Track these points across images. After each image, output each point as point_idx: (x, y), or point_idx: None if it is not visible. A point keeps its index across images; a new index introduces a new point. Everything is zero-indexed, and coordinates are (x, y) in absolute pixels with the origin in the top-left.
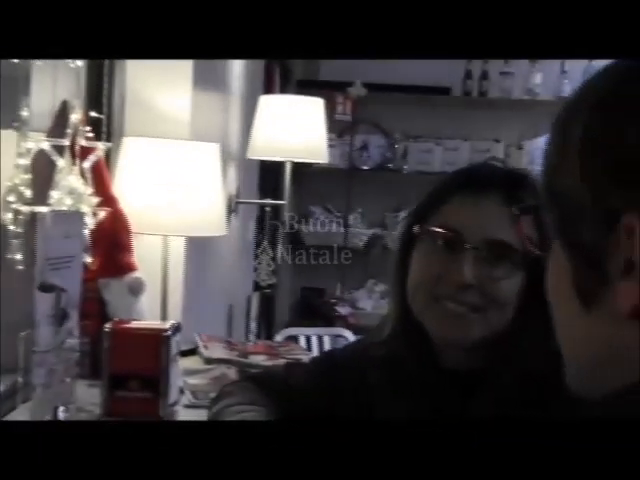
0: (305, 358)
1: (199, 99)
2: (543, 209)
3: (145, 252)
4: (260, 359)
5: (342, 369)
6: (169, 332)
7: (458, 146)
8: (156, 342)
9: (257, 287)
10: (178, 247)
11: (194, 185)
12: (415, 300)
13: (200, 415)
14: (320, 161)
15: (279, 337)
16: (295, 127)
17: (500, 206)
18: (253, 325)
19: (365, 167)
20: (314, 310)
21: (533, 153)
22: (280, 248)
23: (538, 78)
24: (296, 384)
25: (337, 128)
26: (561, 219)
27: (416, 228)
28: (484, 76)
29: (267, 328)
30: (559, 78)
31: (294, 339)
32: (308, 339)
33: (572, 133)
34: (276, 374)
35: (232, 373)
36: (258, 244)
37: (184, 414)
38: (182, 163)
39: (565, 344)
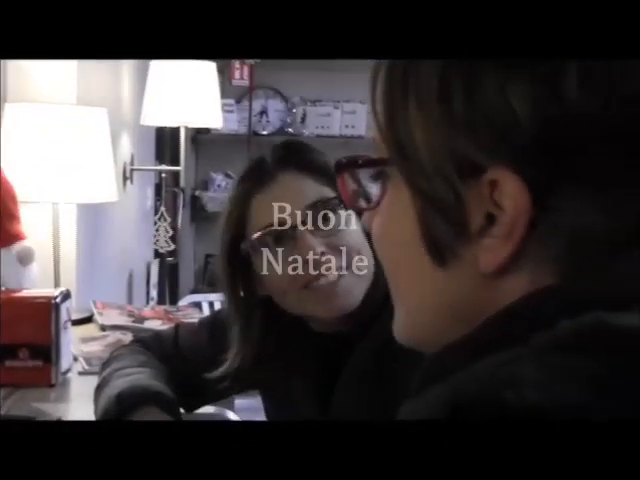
0: None
1: (86, 63)
2: (374, 162)
3: (36, 220)
4: (156, 324)
5: (225, 328)
6: (57, 299)
7: (356, 109)
8: (44, 310)
9: (159, 254)
10: (70, 215)
11: (82, 151)
12: (289, 301)
13: (94, 381)
14: (214, 126)
15: (182, 303)
16: (187, 92)
17: (292, 174)
18: (154, 292)
19: (265, 132)
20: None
21: None
22: (180, 215)
23: None
24: (184, 344)
25: (235, 94)
26: (415, 172)
27: (244, 245)
28: None
29: (171, 295)
30: None
31: (197, 305)
32: (211, 305)
33: (427, 85)
34: (165, 336)
35: (128, 339)
36: (156, 211)
37: (77, 381)
38: (68, 129)
39: (403, 295)
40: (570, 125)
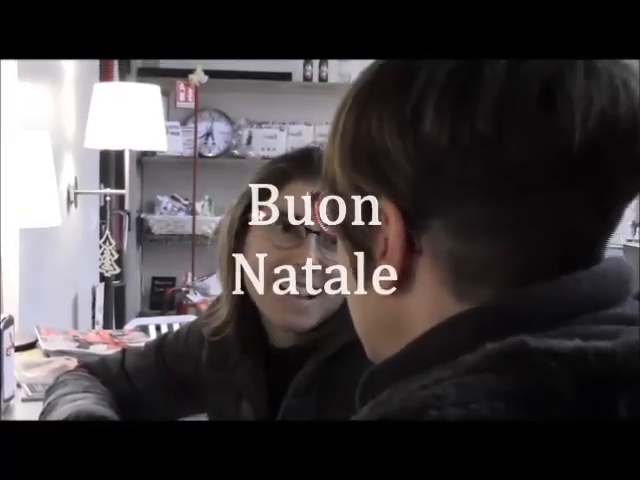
0: None
1: (27, 85)
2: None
3: None
4: (101, 349)
5: (172, 350)
6: (0, 325)
7: (301, 131)
8: None
9: (105, 278)
10: (13, 239)
11: (23, 175)
12: (257, 291)
13: (37, 408)
14: (159, 149)
15: (128, 327)
16: (131, 115)
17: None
18: (100, 316)
19: (210, 154)
20: (166, 299)
21: None
22: (126, 238)
23: None
24: (130, 368)
25: (180, 116)
26: (334, 203)
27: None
28: (323, 62)
29: (117, 319)
30: None
31: (144, 329)
32: (158, 328)
33: (339, 122)
34: (111, 360)
35: (72, 364)
36: (101, 234)
37: (21, 408)
38: (9, 152)
39: (353, 317)
40: (428, 159)
